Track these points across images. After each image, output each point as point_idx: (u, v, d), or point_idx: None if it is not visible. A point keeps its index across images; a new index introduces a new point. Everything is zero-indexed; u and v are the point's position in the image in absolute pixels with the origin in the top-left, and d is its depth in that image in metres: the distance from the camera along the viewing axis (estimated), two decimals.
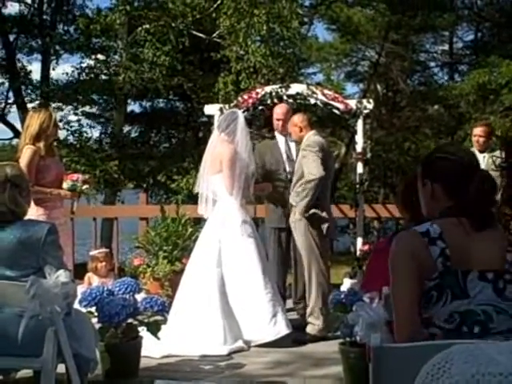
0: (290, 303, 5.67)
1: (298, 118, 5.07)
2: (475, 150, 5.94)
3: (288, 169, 5.38)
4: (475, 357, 0.89)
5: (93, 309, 3.80)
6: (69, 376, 3.15)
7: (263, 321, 4.63)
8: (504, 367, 0.85)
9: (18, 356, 3.05)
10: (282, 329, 4.64)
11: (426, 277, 2.08)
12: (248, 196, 4.96)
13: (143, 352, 4.05)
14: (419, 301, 2.08)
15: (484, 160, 5.51)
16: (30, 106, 14.83)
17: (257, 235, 4.93)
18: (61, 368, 3.18)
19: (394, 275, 2.12)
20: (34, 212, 4.15)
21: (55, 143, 5.44)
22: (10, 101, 16.05)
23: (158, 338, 3.99)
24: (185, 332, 4.46)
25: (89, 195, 4.88)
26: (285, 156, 5.49)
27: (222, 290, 4.65)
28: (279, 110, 5.51)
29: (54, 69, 15.78)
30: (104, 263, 5.39)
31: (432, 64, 19.82)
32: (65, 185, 4.69)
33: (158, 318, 4.05)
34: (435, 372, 0.89)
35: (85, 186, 4.72)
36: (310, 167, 4.74)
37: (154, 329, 3.96)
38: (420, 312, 2.09)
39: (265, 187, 5.32)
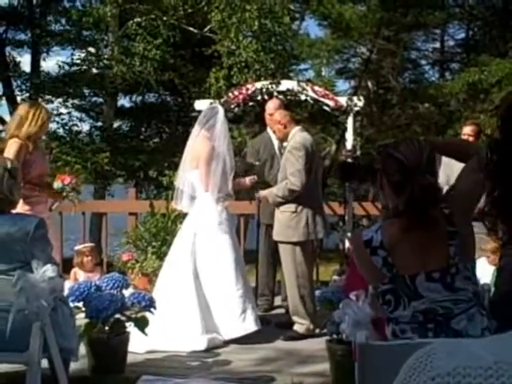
0: (278, 300, 5.68)
1: (279, 115, 4.97)
2: None
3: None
4: (457, 350, 0.90)
5: (80, 304, 3.79)
6: (54, 370, 3.15)
7: (233, 316, 4.66)
8: (485, 361, 0.86)
9: (3, 350, 3.04)
10: (250, 325, 4.67)
11: (378, 281, 2.18)
12: (226, 191, 4.95)
13: (129, 347, 4.05)
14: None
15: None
16: (19, 98, 14.72)
17: (233, 231, 4.96)
18: (44, 363, 3.17)
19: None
20: (18, 206, 4.12)
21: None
22: None
23: (146, 334, 3.99)
24: (165, 325, 4.47)
25: (73, 201, 4.77)
26: (278, 151, 5.50)
27: (197, 283, 4.69)
28: (271, 105, 5.48)
29: (44, 59, 15.68)
30: (90, 257, 5.37)
31: (423, 62, 19.85)
32: (55, 185, 4.65)
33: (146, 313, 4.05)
34: (417, 366, 0.90)
35: (71, 194, 4.67)
36: (294, 174, 4.69)
37: (142, 324, 3.95)
38: (384, 313, 2.20)
39: (241, 183, 5.22)
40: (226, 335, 4.64)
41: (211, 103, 6.14)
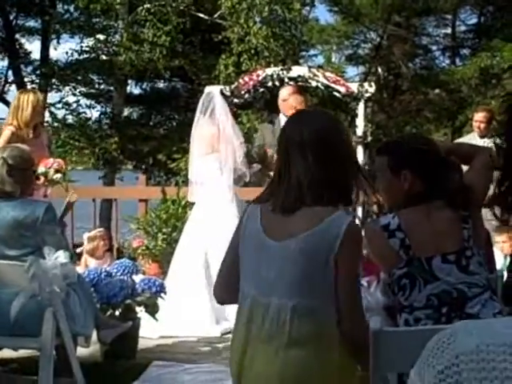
0: None
1: (296, 100, 4.93)
2: (476, 134, 5.93)
3: None
4: (479, 329, 0.90)
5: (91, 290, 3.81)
6: (59, 357, 3.17)
7: None
8: (509, 338, 0.86)
9: (16, 336, 3.06)
10: None
11: (394, 266, 2.17)
12: (238, 171, 4.93)
13: (141, 333, 4.07)
14: None
15: (485, 145, 5.49)
16: (29, 86, 14.74)
17: None
18: None
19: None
20: None
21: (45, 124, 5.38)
22: (9, 80, 15.96)
23: (157, 320, 4.01)
24: (177, 312, 4.48)
25: (60, 183, 4.64)
26: None
27: (208, 270, 4.70)
28: (285, 91, 5.44)
29: (55, 49, 15.69)
30: (102, 242, 5.38)
31: (434, 47, 19.70)
32: (39, 170, 4.64)
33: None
34: (440, 346, 0.89)
35: (56, 175, 4.63)
36: None
37: (153, 310, 3.97)
38: (399, 301, 2.20)
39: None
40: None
41: (221, 90, 6.12)
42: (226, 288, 2.13)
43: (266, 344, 1.89)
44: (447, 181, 2.24)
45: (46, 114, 13.59)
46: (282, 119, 5.50)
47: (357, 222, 2.27)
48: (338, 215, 1.89)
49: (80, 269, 4.78)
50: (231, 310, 4.63)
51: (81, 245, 5.46)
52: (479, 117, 5.92)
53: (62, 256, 2.99)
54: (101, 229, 5.67)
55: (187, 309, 4.52)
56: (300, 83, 6.08)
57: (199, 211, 4.92)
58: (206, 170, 4.89)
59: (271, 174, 5.00)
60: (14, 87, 15.56)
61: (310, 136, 1.95)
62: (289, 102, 5.02)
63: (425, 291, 2.15)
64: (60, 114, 14.48)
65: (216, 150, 4.82)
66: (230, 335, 4.47)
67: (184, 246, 4.87)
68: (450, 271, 2.15)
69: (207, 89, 6.40)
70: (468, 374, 0.85)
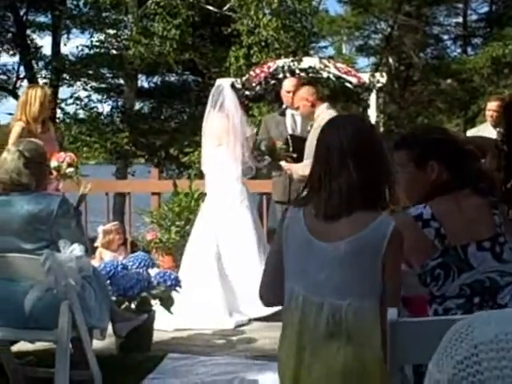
0: None
1: (307, 91, 4.88)
2: (489, 124, 5.89)
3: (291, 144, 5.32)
4: (497, 319, 0.90)
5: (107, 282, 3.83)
6: (76, 349, 3.19)
7: (255, 295, 4.66)
8: None
9: (33, 329, 3.09)
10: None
11: (428, 257, 2.17)
12: (247, 163, 4.95)
13: (155, 326, 4.09)
14: None
15: (498, 135, 5.45)
16: (41, 81, 14.79)
17: (254, 210, 4.95)
18: None
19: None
20: None
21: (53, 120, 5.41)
22: (21, 76, 16.03)
23: (171, 313, 4.03)
24: (190, 304, 4.50)
25: (72, 178, 4.67)
26: (290, 131, 5.43)
27: (220, 262, 4.72)
28: (289, 83, 5.42)
29: (65, 44, 15.72)
30: (117, 236, 5.40)
31: (445, 37, 19.56)
32: (51, 164, 4.66)
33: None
34: (458, 336, 0.89)
35: (69, 170, 4.65)
36: None
37: (168, 303, 3.99)
38: (431, 291, 2.20)
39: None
40: (249, 314, 4.67)
41: (233, 82, 6.11)
42: (273, 290, 2.19)
43: (326, 343, 1.97)
44: (471, 169, 2.25)
45: (58, 110, 13.66)
46: (289, 112, 5.47)
47: None
48: (382, 219, 2.01)
49: (95, 262, 4.81)
50: (244, 302, 4.65)
51: (94, 239, 5.49)
52: (492, 106, 5.88)
53: (77, 249, 3.00)
54: (115, 222, 5.70)
55: (200, 300, 4.54)
56: (311, 74, 6.06)
57: (210, 203, 4.95)
58: (216, 162, 4.92)
59: (284, 165, 5.02)
60: (25, 82, 15.61)
61: (349, 143, 2.04)
62: (300, 93, 4.98)
63: (458, 281, 2.15)
64: (71, 109, 14.54)
65: (225, 143, 4.84)
66: (244, 328, 4.53)
67: (195, 237, 4.89)
68: (485, 258, 2.15)
69: (218, 81, 6.41)
70: (488, 363, 0.85)
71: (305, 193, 2.12)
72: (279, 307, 4.68)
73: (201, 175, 5.23)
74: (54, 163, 4.63)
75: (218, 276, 4.67)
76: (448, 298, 2.16)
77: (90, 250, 3.15)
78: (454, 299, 2.14)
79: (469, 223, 2.18)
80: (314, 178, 2.09)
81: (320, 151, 2.11)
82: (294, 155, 4.99)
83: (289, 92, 5.31)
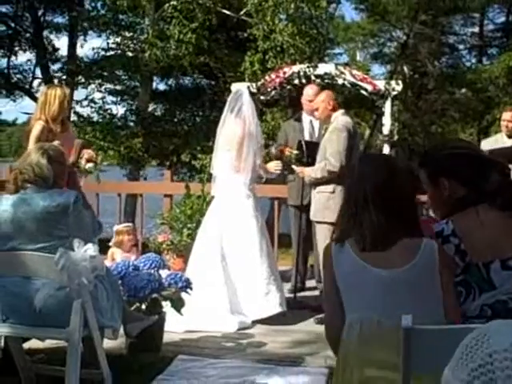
0: (313, 283, 5.70)
1: (330, 96, 4.97)
2: (504, 134, 5.87)
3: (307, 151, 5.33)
4: None
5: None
6: (85, 347, 3.21)
7: (256, 298, 4.71)
8: None
9: (45, 326, 3.11)
10: (274, 307, 4.71)
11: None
12: (257, 171, 4.97)
13: (166, 327, 4.11)
14: None
15: None
16: (56, 82, 14.89)
17: (259, 215, 4.96)
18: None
19: None
20: None
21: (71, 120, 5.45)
22: (36, 76, 16.14)
23: (182, 314, 4.04)
24: (196, 306, 4.51)
25: (92, 173, 4.70)
26: (307, 137, 5.47)
27: (224, 265, 4.76)
28: (311, 91, 5.46)
29: (82, 46, 15.83)
30: (130, 237, 5.43)
31: (461, 46, 19.49)
32: (70, 160, 4.69)
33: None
34: (474, 344, 0.90)
35: (88, 165, 4.68)
36: (333, 155, 4.70)
37: (178, 305, 4.00)
38: None
39: (267, 168, 5.16)
40: (250, 316, 4.70)
41: (248, 87, 6.13)
42: (339, 319, 2.16)
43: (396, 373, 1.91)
44: (485, 182, 2.19)
45: (71, 113, 13.73)
46: (304, 118, 5.51)
47: None
48: (426, 243, 2.10)
49: (107, 262, 4.83)
50: (247, 304, 4.68)
51: (105, 239, 5.52)
52: (507, 116, 5.86)
53: (91, 249, 3.03)
54: (129, 224, 5.73)
55: (204, 301, 4.56)
56: (326, 80, 6.07)
57: (216, 206, 4.98)
58: (225, 167, 4.94)
59: (296, 169, 5.03)
60: (36, 82, 15.71)
61: (371, 189, 2.13)
62: (320, 97, 5.02)
63: (479, 301, 2.10)
64: (85, 112, 14.63)
65: (237, 150, 4.86)
66: (253, 331, 4.54)
67: (201, 239, 4.93)
68: (509, 278, 2.08)
69: (234, 86, 6.43)
70: (502, 372, 0.86)
71: (342, 227, 2.18)
72: (278, 310, 4.72)
73: (211, 179, 5.26)
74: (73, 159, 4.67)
75: (222, 277, 4.71)
76: (469, 318, 2.09)
77: (96, 245, 3.16)
78: (475, 320, 2.06)
79: (490, 239, 2.12)
80: (350, 213, 2.16)
81: (354, 186, 2.20)
82: (304, 160, 5.02)
83: (310, 101, 5.34)
